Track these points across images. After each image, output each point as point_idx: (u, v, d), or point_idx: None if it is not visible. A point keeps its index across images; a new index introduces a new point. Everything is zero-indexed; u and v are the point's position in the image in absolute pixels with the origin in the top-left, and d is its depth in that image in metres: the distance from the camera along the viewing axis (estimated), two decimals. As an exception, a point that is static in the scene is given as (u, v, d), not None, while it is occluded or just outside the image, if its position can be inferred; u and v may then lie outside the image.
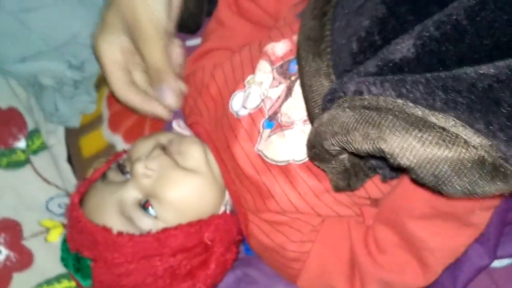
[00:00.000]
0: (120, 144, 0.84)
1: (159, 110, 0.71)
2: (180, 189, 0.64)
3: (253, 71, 0.66)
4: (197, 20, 0.81)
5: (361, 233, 0.61)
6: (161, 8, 0.65)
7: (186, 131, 0.72)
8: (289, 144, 0.61)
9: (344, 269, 0.61)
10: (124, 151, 0.76)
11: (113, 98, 0.78)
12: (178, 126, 0.72)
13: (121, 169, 0.68)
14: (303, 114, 0.60)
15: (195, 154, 0.67)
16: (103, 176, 0.70)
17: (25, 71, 0.83)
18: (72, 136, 0.86)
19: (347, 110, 0.47)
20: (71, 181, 0.83)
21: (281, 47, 0.66)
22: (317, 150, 0.53)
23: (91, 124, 0.86)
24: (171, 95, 0.69)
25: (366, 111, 0.45)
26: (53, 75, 0.83)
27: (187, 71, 0.76)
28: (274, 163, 0.62)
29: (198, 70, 0.74)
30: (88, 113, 0.86)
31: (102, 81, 0.87)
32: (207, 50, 0.76)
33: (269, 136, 0.63)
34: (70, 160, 0.86)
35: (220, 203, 0.68)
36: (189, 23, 0.79)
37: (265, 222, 0.65)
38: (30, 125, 0.84)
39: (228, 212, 0.68)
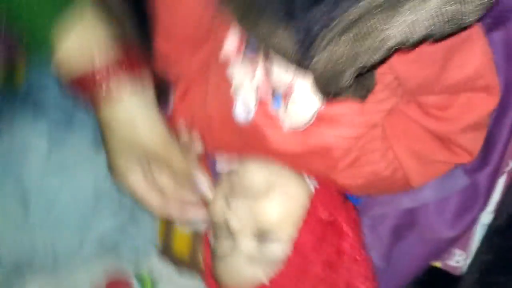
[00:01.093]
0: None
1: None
2: (275, 211, 0.67)
3: (229, 82, 0.68)
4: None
5: (415, 109, 0.63)
6: (156, 118, 0.68)
7: (231, 162, 0.74)
8: (304, 101, 0.63)
9: (431, 144, 0.64)
10: None
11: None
12: (223, 161, 0.76)
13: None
14: (290, 72, 0.62)
15: (258, 174, 0.69)
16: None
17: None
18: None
19: (332, 44, 0.49)
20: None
21: (230, 41, 0.67)
22: (331, 91, 0.54)
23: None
24: (206, 184, 0.73)
25: (349, 33, 0.48)
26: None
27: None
28: (308, 124, 0.65)
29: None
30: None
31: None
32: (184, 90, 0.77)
33: (285, 111, 0.64)
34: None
35: (307, 186, 0.70)
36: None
37: (345, 170, 0.67)
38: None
39: (317, 186, 0.70)
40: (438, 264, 0.78)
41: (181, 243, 0.98)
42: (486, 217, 0.73)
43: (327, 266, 0.66)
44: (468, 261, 0.75)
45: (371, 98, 0.62)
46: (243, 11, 0.57)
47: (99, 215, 0.96)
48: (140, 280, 0.99)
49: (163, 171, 0.72)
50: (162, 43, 0.75)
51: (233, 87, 0.68)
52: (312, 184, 0.72)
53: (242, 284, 0.69)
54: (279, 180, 0.69)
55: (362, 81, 0.58)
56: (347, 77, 0.50)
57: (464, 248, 0.76)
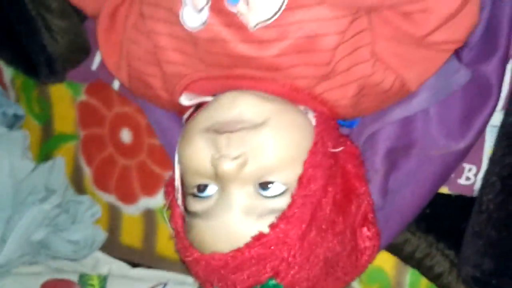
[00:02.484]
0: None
1: None
2: (278, 142, 0.54)
3: None
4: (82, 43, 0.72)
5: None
6: None
7: (201, 98, 0.61)
8: None
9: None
10: (170, 180, 0.64)
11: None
12: (189, 100, 0.61)
13: (201, 190, 0.56)
14: None
15: (246, 105, 0.56)
16: (188, 214, 0.58)
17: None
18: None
19: None
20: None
21: None
22: None
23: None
24: None
25: None
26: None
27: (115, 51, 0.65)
28: (278, 12, 0.52)
29: (132, 51, 0.63)
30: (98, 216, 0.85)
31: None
32: (108, 18, 0.64)
33: (247, 4, 0.53)
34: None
35: (305, 115, 0.59)
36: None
37: (333, 79, 0.56)
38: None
39: (315, 114, 0.59)
40: (444, 189, 0.66)
41: (131, 230, 0.84)
42: (496, 117, 0.61)
43: (334, 208, 0.55)
44: (481, 175, 0.63)
45: None
46: None
47: (22, 206, 0.78)
48: (84, 280, 0.81)
49: None
50: None
51: None
52: (311, 113, 0.59)
53: (233, 246, 0.53)
54: (275, 108, 0.57)
55: None
56: None
57: (475, 160, 0.64)
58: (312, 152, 0.55)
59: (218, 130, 0.55)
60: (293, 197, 0.53)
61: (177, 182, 0.62)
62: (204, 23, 0.55)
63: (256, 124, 0.55)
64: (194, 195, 0.57)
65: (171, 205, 0.63)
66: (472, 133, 0.61)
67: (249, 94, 0.58)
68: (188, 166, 0.57)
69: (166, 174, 0.81)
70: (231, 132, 0.54)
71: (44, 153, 0.88)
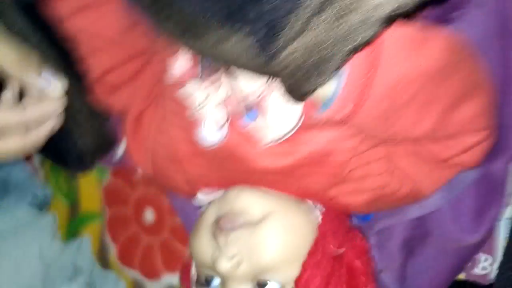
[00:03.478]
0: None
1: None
2: (275, 242, 0.56)
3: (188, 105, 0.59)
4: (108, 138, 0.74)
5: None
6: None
7: (214, 194, 0.64)
8: (284, 104, 0.54)
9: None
10: (185, 267, 0.66)
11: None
12: (204, 198, 0.64)
13: (208, 282, 0.59)
14: (260, 80, 0.54)
15: (250, 200, 0.58)
16: None
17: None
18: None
19: (309, 28, 0.41)
20: None
21: (180, 60, 0.59)
22: (310, 89, 0.45)
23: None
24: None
25: (328, 10, 0.41)
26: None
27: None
28: (294, 129, 0.55)
29: (156, 152, 0.66)
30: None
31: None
32: (135, 119, 0.68)
33: (264, 121, 0.55)
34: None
35: (311, 213, 0.60)
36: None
37: (347, 183, 0.58)
38: None
39: (323, 210, 0.61)
40: (461, 276, 0.67)
41: None
42: (508, 210, 0.63)
43: None
44: (496, 265, 0.64)
45: None
46: (183, 27, 0.48)
47: (52, 285, 0.81)
48: None
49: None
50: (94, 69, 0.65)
51: (193, 109, 0.59)
52: (317, 209, 0.61)
53: None
54: (276, 206, 0.59)
55: None
56: (336, 63, 0.42)
57: (490, 251, 0.65)
58: (311, 253, 0.56)
59: (220, 224, 0.57)
60: None
61: (192, 271, 0.64)
62: (222, 141, 0.58)
63: (256, 220, 0.57)
64: (202, 284, 0.59)
65: None
66: (484, 228, 0.62)
67: (255, 189, 0.60)
68: (195, 258, 0.60)
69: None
70: (230, 230, 0.56)
71: (71, 230, 0.91)
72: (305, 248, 0.57)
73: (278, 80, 0.48)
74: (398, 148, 0.56)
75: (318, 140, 0.55)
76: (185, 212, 0.79)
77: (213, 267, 0.56)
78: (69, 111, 0.71)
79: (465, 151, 0.54)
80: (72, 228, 0.91)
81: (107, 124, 0.76)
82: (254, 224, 0.57)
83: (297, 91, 0.45)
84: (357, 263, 0.59)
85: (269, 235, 0.56)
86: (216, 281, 0.58)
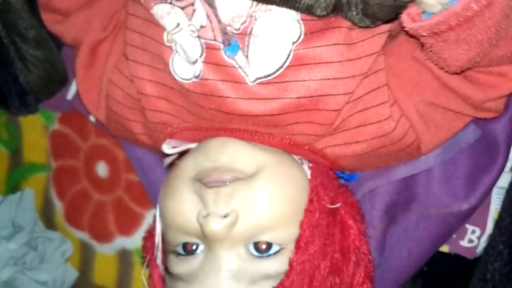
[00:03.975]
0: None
1: None
2: (273, 197, 0.49)
3: (160, 27, 0.50)
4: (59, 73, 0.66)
5: None
6: None
7: (185, 145, 0.55)
8: (271, 39, 0.47)
9: (450, 99, 0.50)
10: (150, 234, 0.58)
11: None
12: (172, 147, 0.55)
13: (187, 251, 0.50)
14: (246, 2, 0.47)
15: (237, 153, 0.51)
16: (169, 276, 0.52)
17: None
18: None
19: None
20: None
21: None
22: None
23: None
24: None
25: None
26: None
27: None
28: (281, 69, 0.48)
29: (112, 93, 0.57)
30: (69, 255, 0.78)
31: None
32: (89, 52, 0.58)
33: (246, 56, 0.48)
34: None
35: (301, 166, 0.54)
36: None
37: (338, 135, 0.52)
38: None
39: (310, 165, 0.54)
40: (445, 248, 0.62)
41: (104, 269, 0.80)
42: (503, 178, 0.58)
43: (331, 270, 0.50)
44: (485, 238, 0.59)
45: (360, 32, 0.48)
46: None
47: None
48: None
49: None
50: None
51: (165, 33, 0.51)
52: (305, 163, 0.54)
53: None
54: (269, 159, 0.51)
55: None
56: None
57: (479, 222, 0.60)
58: (309, 211, 0.50)
59: (205, 180, 0.50)
60: (291, 263, 0.48)
61: (158, 238, 0.56)
62: (197, 76, 0.50)
63: (247, 174, 0.50)
64: (178, 254, 0.51)
65: (149, 264, 0.57)
66: (477, 194, 0.57)
67: (240, 140, 0.53)
68: (171, 222, 0.52)
69: (145, 213, 0.75)
70: (220, 185, 0.49)
71: (11, 183, 0.81)
72: (301, 204, 0.50)
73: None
74: (416, 92, 0.50)
75: (310, 80, 0.48)
76: (143, 167, 0.70)
77: (197, 231, 0.48)
78: (12, 36, 0.61)
79: (498, 96, 0.49)
80: (12, 180, 0.81)
81: (56, 58, 0.65)
82: (246, 179, 0.49)
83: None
84: (351, 222, 0.53)
85: (266, 190, 0.49)
86: (198, 248, 0.50)
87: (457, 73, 0.47)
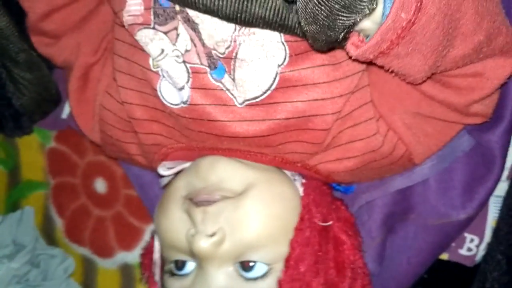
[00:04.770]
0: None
1: None
2: (260, 216, 0.49)
3: (145, 54, 0.50)
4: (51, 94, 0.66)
5: None
6: None
7: (180, 166, 0.55)
8: (257, 62, 0.47)
9: (436, 108, 0.49)
10: (147, 250, 0.58)
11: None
12: (167, 169, 0.55)
13: (179, 268, 0.51)
14: (229, 27, 0.46)
15: (226, 171, 0.51)
16: None
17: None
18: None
19: None
20: None
21: (132, 2, 0.50)
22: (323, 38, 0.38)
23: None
24: None
25: None
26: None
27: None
28: (268, 91, 0.47)
29: (105, 117, 0.57)
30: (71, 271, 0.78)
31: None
32: (80, 77, 0.59)
33: (233, 80, 0.48)
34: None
35: (292, 183, 0.54)
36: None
37: (332, 149, 0.51)
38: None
39: (303, 181, 0.54)
40: (444, 256, 0.62)
41: (107, 284, 0.80)
42: (500, 187, 0.57)
43: (326, 286, 0.50)
44: (483, 246, 0.59)
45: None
46: None
47: None
48: None
49: None
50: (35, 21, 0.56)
51: (151, 60, 0.50)
52: (298, 179, 0.54)
53: None
54: (258, 177, 0.51)
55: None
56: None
57: (477, 231, 0.60)
58: (299, 229, 0.50)
59: (194, 199, 0.50)
60: (280, 282, 0.48)
61: (156, 255, 0.56)
62: (185, 102, 0.49)
63: (236, 192, 0.50)
64: (172, 273, 0.52)
65: (148, 280, 0.58)
66: (474, 204, 0.57)
67: (230, 159, 0.53)
68: (164, 239, 0.53)
69: (145, 227, 0.75)
70: (208, 204, 0.49)
71: (11, 202, 0.81)
72: (291, 223, 0.50)
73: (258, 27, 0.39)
74: (399, 105, 0.49)
75: (297, 102, 0.48)
76: (140, 183, 0.71)
77: (187, 249, 0.49)
78: (2, 60, 0.61)
79: (480, 98, 0.47)
80: (11, 198, 0.81)
81: (48, 79, 0.65)
82: (235, 197, 0.49)
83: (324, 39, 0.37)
84: (345, 237, 0.53)
85: (253, 209, 0.49)
86: (190, 265, 0.50)
87: (434, 81, 0.46)
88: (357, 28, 0.39)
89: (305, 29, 0.37)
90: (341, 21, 0.35)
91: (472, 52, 0.42)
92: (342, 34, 0.37)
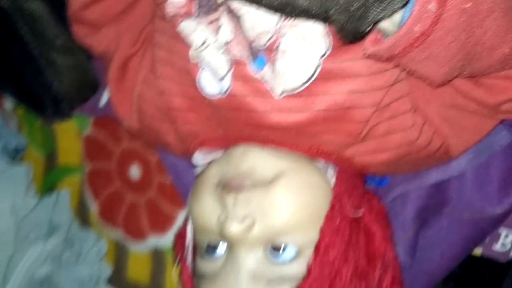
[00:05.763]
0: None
1: None
2: (290, 202, 0.50)
3: (185, 45, 0.51)
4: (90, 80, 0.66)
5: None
6: None
7: (213, 154, 0.56)
8: (299, 53, 0.47)
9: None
10: (180, 235, 0.59)
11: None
12: (202, 159, 0.57)
13: (211, 251, 0.52)
14: (272, 18, 0.46)
15: (258, 160, 0.52)
16: (196, 275, 0.54)
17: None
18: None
19: None
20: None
21: None
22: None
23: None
24: None
25: None
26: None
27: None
28: (308, 82, 0.48)
29: (143, 107, 0.58)
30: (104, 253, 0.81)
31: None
32: (120, 68, 0.59)
33: (273, 71, 0.48)
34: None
35: (325, 174, 0.53)
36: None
37: (367, 142, 0.51)
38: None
39: (336, 172, 0.54)
40: (477, 252, 0.62)
41: (138, 267, 0.81)
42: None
43: (355, 275, 0.50)
44: (518, 242, 0.59)
45: None
46: None
47: (25, 243, 0.74)
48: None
49: None
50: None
51: (192, 50, 0.51)
52: (331, 169, 0.54)
53: None
54: (289, 165, 0.52)
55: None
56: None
57: (512, 226, 0.59)
58: (329, 217, 0.51)
59: (226, 186, 0.51)
60: (309, 266, 0.49)
61: (188, 240, 0.58)
62: (225, 92, 0.50)
63: (267, 181, 0.51)
64: (203, 254, 0.53)
65: (180, 263, 0.59)
66: (510, 199, 0.56)
67: (262, 148, 0.53)
68: (196, 224, 0.54)
69: (178, 213, 0.77)
70: (239, 190, 0.50)
71: (47, 185, 0.83)
72: (321, 210, 0.51)
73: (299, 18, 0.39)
74: (435, 97, 0.49)
75: (337, 94, 0.48)
76: (176, 171, 0.72)
77: (219, 232, 0.50)
78: (41, 46, 0.62)
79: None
80: (48, 181, 0.83)
81: (86, 65, 0.67)
82: (265, 184, 0.50)
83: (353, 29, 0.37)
84: (376, 228, 0.53)
85: (284, 195, 0.49)
86: (222, 248, 0.51)
87: (466, 79, 0.46)
88: (378, 26, 0.39)
89: (334, 17, 0.37)
90: (373, 14, 0.36)
91: (496, 63, 0.42)
92: (369, 27, 0.37)
